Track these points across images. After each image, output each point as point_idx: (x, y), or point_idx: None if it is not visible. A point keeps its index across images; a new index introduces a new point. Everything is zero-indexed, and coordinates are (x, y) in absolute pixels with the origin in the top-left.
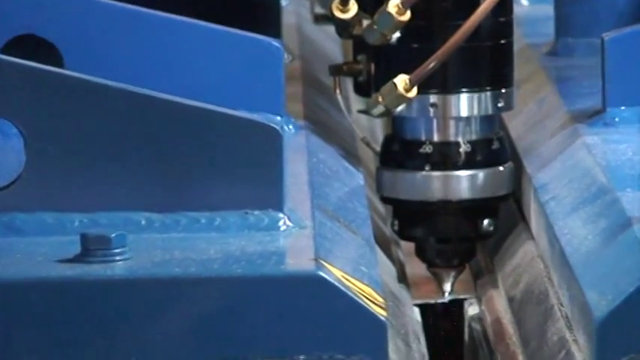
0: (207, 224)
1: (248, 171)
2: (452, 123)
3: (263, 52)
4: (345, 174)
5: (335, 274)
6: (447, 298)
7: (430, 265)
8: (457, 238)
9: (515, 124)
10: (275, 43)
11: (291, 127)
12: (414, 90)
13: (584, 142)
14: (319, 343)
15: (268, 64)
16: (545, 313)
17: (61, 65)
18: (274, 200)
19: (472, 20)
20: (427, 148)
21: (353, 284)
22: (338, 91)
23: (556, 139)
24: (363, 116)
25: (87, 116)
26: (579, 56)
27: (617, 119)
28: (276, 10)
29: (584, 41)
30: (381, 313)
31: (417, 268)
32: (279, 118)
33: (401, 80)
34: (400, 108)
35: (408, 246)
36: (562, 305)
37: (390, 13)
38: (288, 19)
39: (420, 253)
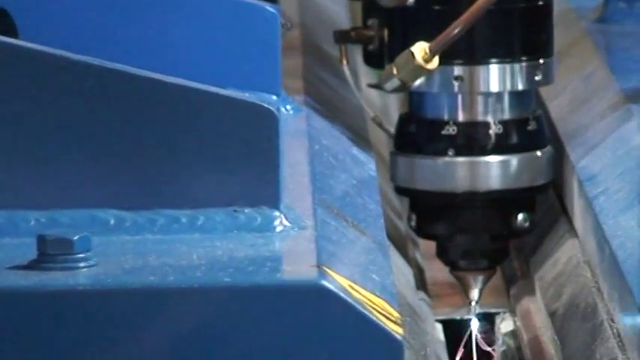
0: (188, 224)
1: (238, 161)
2: (480, 99)
3: (256, 19)
4: (352, 163)
5: (340, 283)
6: (474, 311)
7: (454, 268)
8: (486, 235)
9: (557, 103)
10: (270, 8)
11: (289, 107)
12: (435, 60)
13: None
14: None
15: (262, 33)
16: (594, 331)
17: (14, 35)
18: (269, 195)
19: None
20: (451, 130)
21: (362, 295)
22: (345, 62)
23: (605, 121)
24: (374, 92)
25: (43, 94)
26: (633, 23)
27: None
28: None
29: (639, 5)
30: (396, 330)
31: (438, 272)
32: (274, 97)
33: (419, 49)
34: (418, 82)
35: (428, 246)
36: (613, 321)
37: None
38: None
39: (442, 254)
